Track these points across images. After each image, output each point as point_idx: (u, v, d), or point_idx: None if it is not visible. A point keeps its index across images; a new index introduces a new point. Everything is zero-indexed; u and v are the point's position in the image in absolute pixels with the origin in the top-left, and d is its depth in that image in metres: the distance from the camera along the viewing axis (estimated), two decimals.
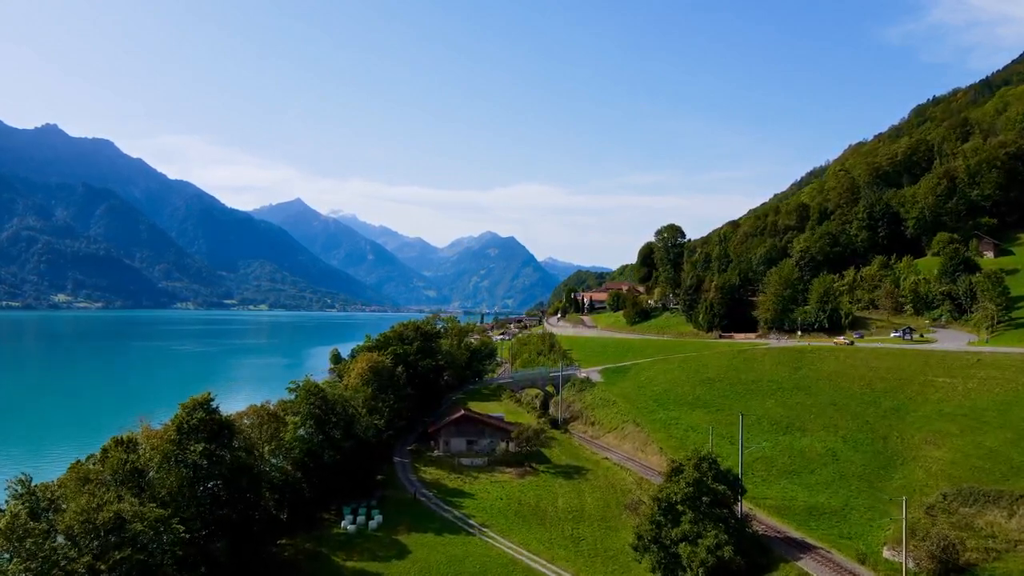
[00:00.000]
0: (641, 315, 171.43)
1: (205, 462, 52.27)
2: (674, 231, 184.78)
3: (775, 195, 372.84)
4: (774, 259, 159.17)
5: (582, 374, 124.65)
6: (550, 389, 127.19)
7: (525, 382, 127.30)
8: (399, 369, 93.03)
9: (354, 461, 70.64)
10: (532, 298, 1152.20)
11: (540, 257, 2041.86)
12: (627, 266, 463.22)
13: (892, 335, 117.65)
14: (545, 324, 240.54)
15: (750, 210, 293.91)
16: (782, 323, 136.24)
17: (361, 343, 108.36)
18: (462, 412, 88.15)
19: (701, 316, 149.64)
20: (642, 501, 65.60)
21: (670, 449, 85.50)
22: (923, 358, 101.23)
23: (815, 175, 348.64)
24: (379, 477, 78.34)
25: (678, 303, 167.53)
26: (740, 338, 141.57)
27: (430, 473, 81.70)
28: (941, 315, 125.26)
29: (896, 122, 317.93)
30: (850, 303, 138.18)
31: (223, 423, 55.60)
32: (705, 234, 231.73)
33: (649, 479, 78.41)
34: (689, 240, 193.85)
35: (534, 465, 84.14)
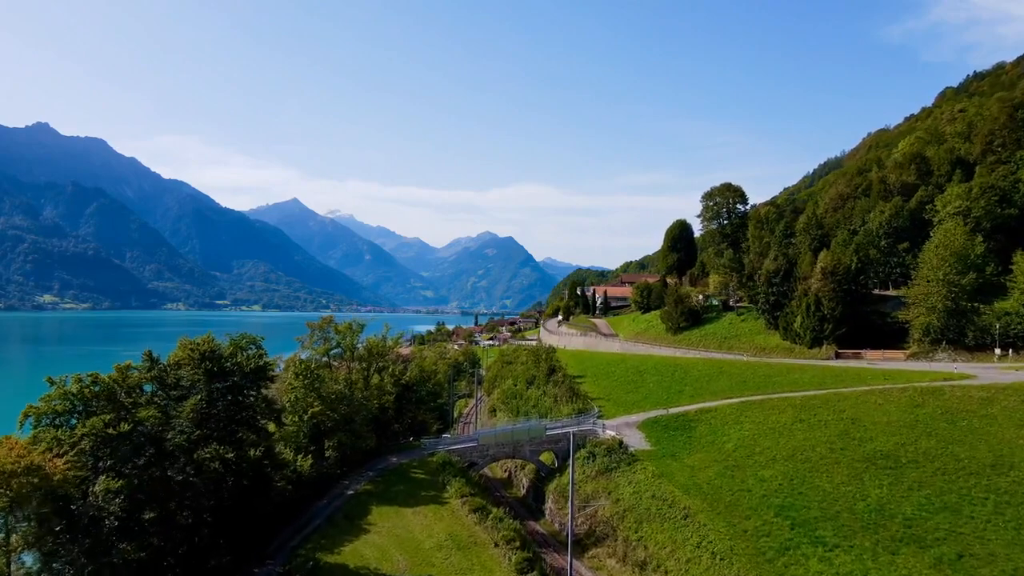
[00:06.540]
0: (690, 318, 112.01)
1: None
2: (733, 193, 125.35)
3: (784, 188, 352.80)
4: (903, 230, 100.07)
5: (607, 431, 65.92)
6: (547, 460, 68.55)
7: (499, 449, 67.82)
8: (102, 483, 31.35)
9: None
10: (531, 298, 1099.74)
11: (538, 257, 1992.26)
12: (630, 263, 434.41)
13: None
14: (543, 330, 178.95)
15: (769, 200, 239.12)
16: (961, 332, 77.32)
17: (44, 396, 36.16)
18: None
19: (798, 321, 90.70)
20: None
21: None
22: None
23: (829, 167, 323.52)
24: None
25: (748, 299, 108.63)
26: (875, 359, 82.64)
27: None
28: None
29: (900, 118, 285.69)
30: None
31: None
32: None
33: None
34: (754, 206, 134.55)
35: None
